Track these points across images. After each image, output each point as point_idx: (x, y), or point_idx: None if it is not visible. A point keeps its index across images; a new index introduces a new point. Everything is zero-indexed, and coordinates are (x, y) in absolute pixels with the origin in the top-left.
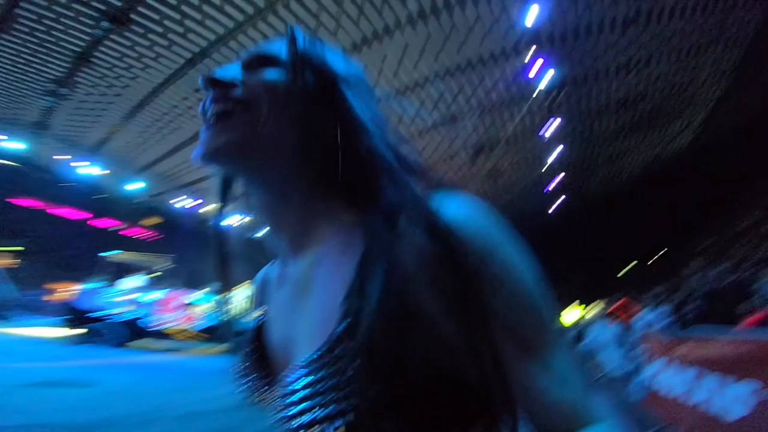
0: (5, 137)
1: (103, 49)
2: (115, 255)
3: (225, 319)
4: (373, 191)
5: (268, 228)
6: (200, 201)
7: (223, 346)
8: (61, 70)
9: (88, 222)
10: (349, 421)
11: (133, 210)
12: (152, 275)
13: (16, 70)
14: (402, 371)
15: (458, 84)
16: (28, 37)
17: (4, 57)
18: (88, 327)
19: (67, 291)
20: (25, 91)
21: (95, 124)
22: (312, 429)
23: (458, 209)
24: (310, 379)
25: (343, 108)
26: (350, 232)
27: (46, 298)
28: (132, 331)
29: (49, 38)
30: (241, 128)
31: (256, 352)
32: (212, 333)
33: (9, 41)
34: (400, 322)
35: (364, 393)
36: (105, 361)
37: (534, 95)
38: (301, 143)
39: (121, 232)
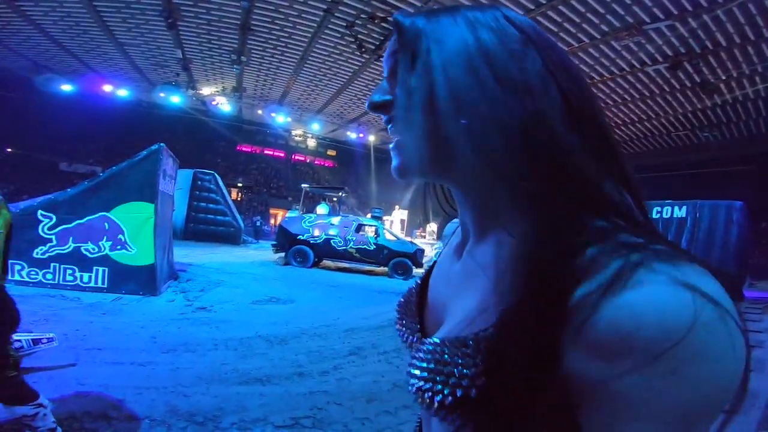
0: (217, 102)
1: (255, 16)
2: (308, 186)
3: (383, 243)
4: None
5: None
6: (363, 134)
7: (384, 267)
8: (234, 42)
9: (292, 158)
10: (447, 403)
11: (316, 145)
12: (333, 201)
13: (207, 50)
14: (509, 394)
15: None
16: (198, 20)
17: (195, 42)
18: (293, 249)
19: (277, 218)
20: (220, 65)
21: (275, 81)
22: (418, 393)
23: (652, 299)
24: (436, 356)
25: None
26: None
27: (268, 224)
28: (323, 252)
29: (213, 17)
30: (405, 148)
31: (417, 297)
32: (376, 255)
33: (188, 30)
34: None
35: (470, 387)
36: (302, 279)
37: None
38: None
39: (311, 165)
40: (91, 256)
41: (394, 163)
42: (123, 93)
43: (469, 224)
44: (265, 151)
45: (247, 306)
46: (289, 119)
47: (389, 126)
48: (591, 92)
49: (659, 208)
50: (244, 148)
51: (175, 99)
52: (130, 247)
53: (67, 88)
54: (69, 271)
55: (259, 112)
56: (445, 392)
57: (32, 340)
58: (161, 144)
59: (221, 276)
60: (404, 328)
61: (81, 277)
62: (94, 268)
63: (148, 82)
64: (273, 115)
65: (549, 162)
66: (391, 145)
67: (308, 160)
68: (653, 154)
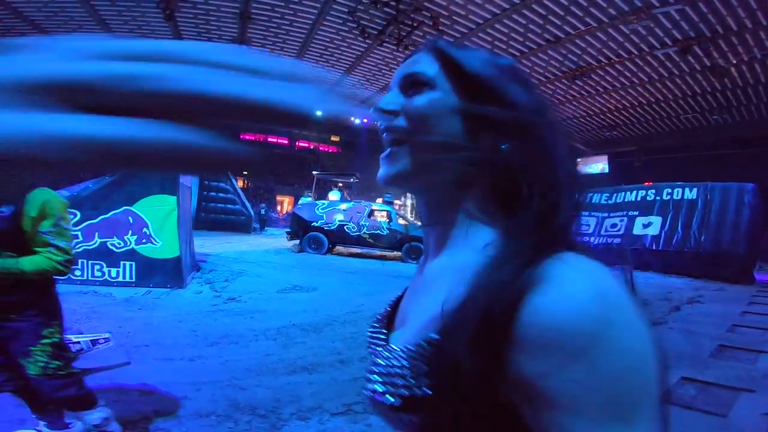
0: None
1: (254, 4)
2: (319, 172)
3: (396, 228)
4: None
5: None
6: (368, 119)
7: (397, 252)
8: (234, 31)
9: (295, 144)
10: (396, 405)
11: (320, 132)
12: (343, 188)
13: (206, 40)
14: (453, 391)
15: None
16: (195, 11)
17: (194, 33)
18: (307, 236)
19: (288, 205)
20: None
21: None
22: (374, 395)
23: (565, 289)
24: (388, 361)
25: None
26: (481, 252)
27: (274, 211)
28: (337, 238)
29: (211, 7)
30: (405, 159)
31: (392, 309)
32: (390, 239)
33: (186, 20)
34: (471, 357)
35: (417, 387)
36: (319, 267)
37: None
38: (457, 166)
39: (315, 151)
40: (117, 250)
41: (387, 171)
42: None
43: (431, 241)
44: (269, 139)
45: (274, 295)
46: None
47: (385, 135)
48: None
49: (669, 190)
50: (247, 136)
51: None
52: (156, 240)
53: None
54: (97, 267)
55: None
56: (394, 392)
57: (91, 341)
58: None
59: (241, 265)
60: (373, 338)
61: (109, 272)
62: (122, 262)
63: None
64: None
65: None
66: (383, 154)
67: (312, 147)
68: (663, 135)
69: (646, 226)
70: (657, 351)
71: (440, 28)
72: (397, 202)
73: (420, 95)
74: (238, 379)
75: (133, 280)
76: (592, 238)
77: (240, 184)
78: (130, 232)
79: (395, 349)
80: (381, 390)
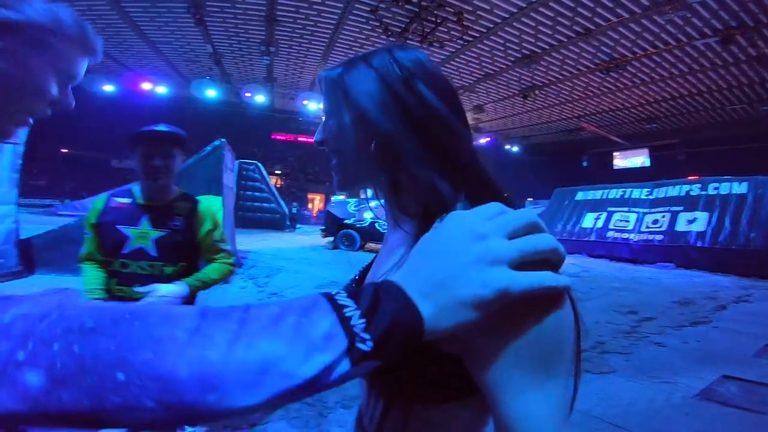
0: (250, 94)
1: (279, 6)
2: None
3: None
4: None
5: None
6: None
7: None
8: (261, 33)
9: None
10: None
11: None
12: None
13: (236, 43)
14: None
15: None
16: (224, 15)
17: (224, 36)
18: (340, 234)
19: (319, 203)
20: (250, 57)
21: (304, 69)
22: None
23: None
24: None
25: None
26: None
27: (306, 209)
28: (368, 235)
29: (238, 10)
30: (338, 172)
31: (359, 278)
32: None
33: (216, 24)
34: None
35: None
36: (353, 263)
37: None
38: (369, 168)
39: None
40: None
41: (334, 180)
42: (161, 90)
43: (388, 219)
44: (299, 139)
45: (313, 290)
46: (320, 105)
47: (328, 154)
48: (459, 106)
49: (716, 185)
50: (278, 137)
51: (211, 93)
52: None
53: (109, 88)
54: None
55: (291, 100)
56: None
57: None
58: (222, 139)
59: (280, 262)
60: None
61: None
62: None
63: (183, 77)
64: (305, 102)
65: (405, 166)
66: (331, 165)
67: None
68: (707, 127)
69: (690, 222)
70: (575, 319)
71: (465, 23)
72: None
73: (331, 119)
74: None
75: None
76: (631, 235)
77: (273, 182)
78: None
79: None
80: None
